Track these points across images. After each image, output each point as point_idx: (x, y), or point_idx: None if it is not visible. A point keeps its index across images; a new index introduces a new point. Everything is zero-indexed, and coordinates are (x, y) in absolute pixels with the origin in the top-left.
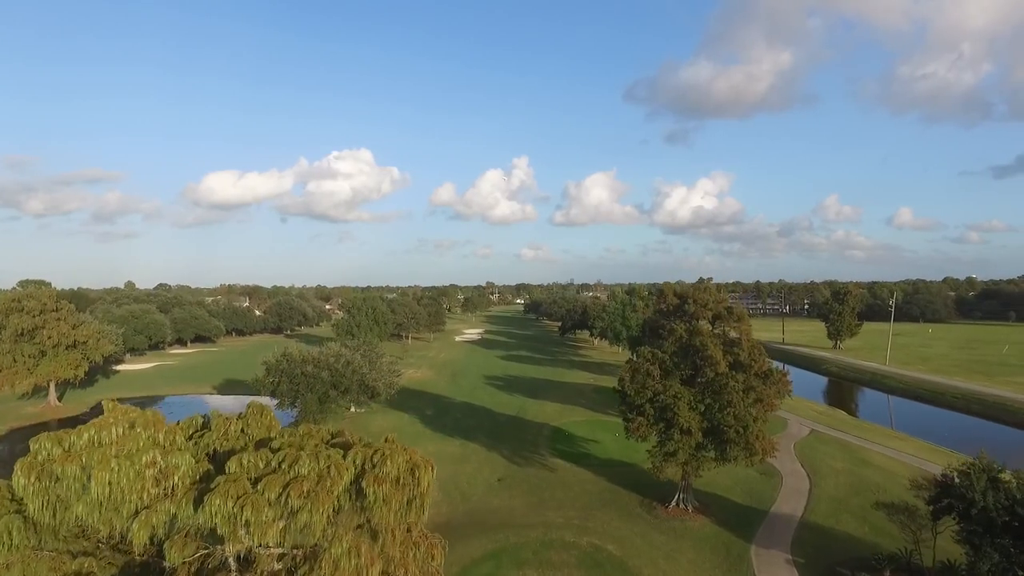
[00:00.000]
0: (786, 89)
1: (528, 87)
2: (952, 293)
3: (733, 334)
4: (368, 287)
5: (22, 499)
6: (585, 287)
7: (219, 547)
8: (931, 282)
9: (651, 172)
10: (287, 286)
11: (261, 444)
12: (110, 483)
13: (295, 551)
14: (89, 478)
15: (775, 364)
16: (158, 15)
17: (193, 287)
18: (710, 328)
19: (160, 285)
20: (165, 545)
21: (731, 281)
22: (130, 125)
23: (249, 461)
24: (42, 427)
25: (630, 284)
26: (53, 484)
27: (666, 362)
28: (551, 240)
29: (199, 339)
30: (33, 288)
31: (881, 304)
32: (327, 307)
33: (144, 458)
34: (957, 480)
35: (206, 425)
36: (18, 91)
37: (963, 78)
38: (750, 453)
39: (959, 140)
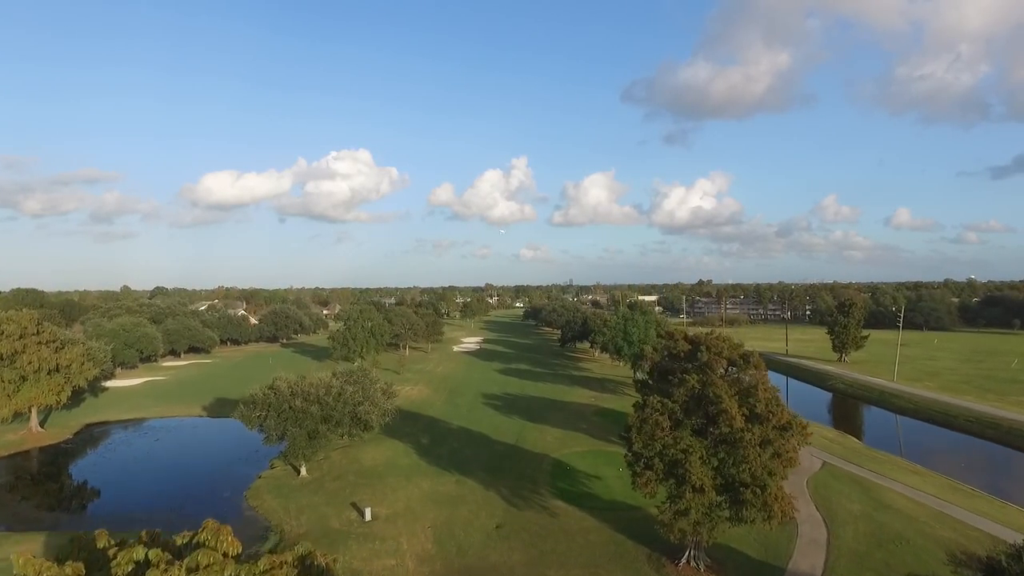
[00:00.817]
0: (784, 90)
1: (527, 87)
2: (956, 299)
3: (748, 379)
4: (366, 289)
5: None
6: (584, 290)
7: None
8: (931, 284)
9: (650, 172)
10: (285, 288)
11: None
12: None
13: None
14: None
15: (794, 414)
16: (157, 15)
17: (190, 289)
18: (724, 373)
19: (157, 288)
20: None
21: (730, 282)
22: (128, 125)
23: None
24: (22, 456)
25: (629, 285)
26: None
27: (676, 412)
28: (550, 240)
29: (193, 350)
30: (13, 312)
31: (884, 311)
32: (325, 312)
33: None
34: (1005, 563)
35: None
36: (16, 91)
37: (961, 79)
38: (768, 516)
39: (957, 141)
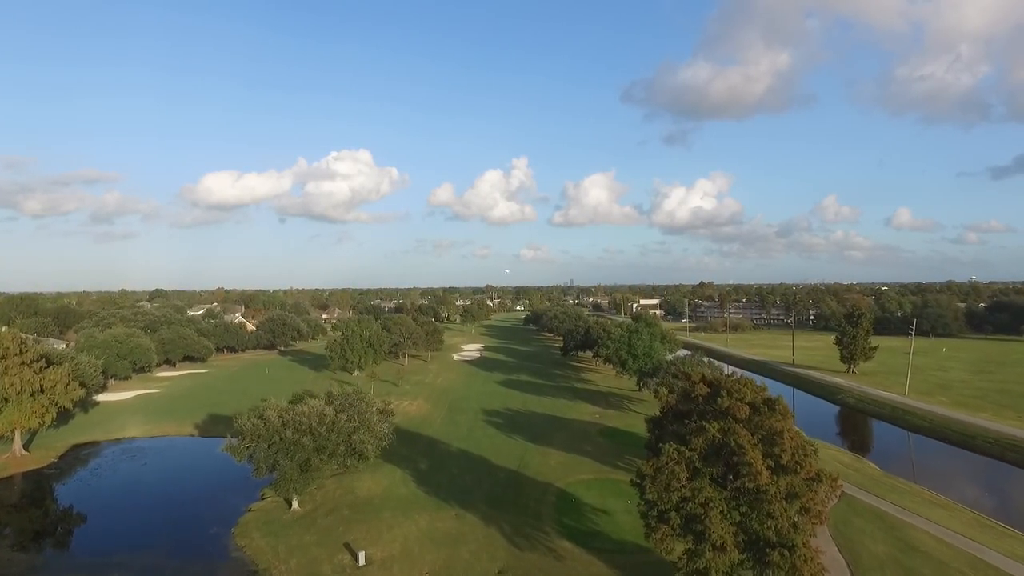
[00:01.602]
0: (784, 90)
1: (527, 87)
2: (962, 304)
3: (773, 424)
4: (367, 290)
5: None
6: (585, 291)
7: None
8: (934, 285)
9: (650, 173)
10: (285, 289)
11: None
12: None
13: None
14: None
15: (822, 467)
16: (156, 15)
17: (189, 291)
18: (747, 417)
19: (156, 291)
20: None
21: (731, 282)
22: (128, 125)
23: None
24: (4, 483)
25: (630, 287)
26: None
27: (694, 460)
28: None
29: (188, 358)
30: None
31: (890, 316)
32: (324, 317)
33: None
34: None
35: None
36: (15, 91)
37: (961, 79)
38: None
39: (957, 141)
